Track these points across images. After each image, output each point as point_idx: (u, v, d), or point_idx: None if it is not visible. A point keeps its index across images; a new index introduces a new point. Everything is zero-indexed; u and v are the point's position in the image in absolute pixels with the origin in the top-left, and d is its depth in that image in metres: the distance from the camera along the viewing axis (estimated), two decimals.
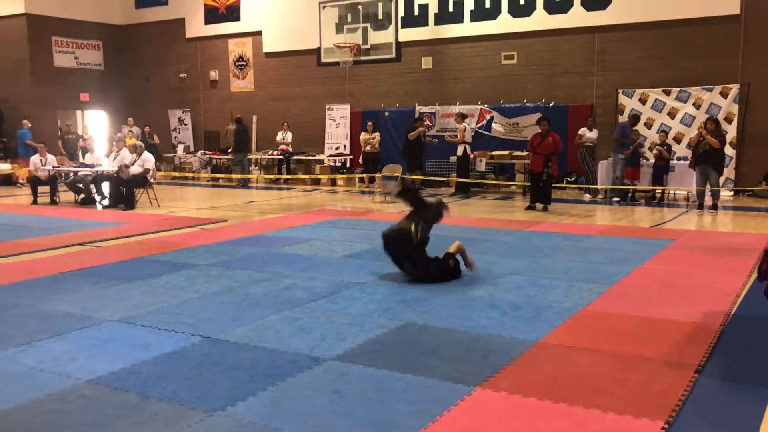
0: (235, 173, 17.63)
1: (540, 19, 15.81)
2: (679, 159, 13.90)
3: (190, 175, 19.71)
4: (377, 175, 14.78)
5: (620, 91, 15.21)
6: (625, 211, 11.99)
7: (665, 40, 14.66)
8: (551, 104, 15.69)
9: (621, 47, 15.16)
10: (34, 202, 13.54)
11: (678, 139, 14.57)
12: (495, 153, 15.34)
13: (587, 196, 14.02)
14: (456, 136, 14.98)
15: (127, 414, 3.52)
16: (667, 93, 14.72)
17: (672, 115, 14.73)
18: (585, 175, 14.40)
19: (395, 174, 13.91)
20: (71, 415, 3.52)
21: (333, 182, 17.32)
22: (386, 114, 17.68)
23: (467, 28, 16.65)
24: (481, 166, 15.24)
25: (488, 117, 16.30)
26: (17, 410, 3.58)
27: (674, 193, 13.95)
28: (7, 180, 18.25)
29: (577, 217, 11.18)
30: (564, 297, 5.84)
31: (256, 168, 19.62)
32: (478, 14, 16.47)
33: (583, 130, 14.05)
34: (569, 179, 15.18)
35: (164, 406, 3.62)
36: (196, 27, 20.91)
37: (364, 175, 16.56)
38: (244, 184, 17.53)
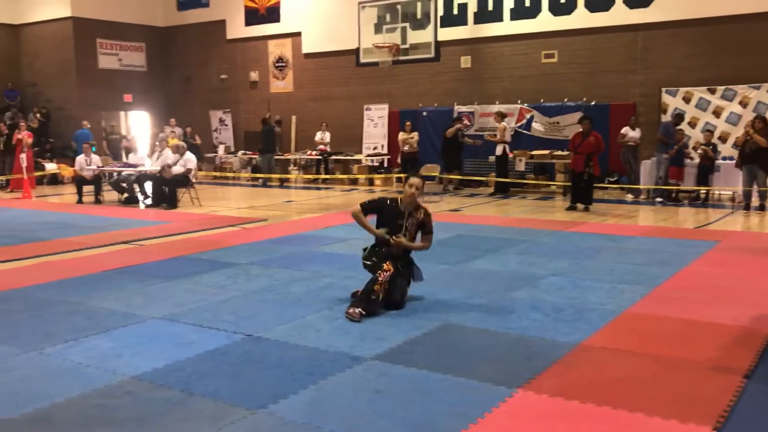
0: (266, 172, 17.78)
1: (581, 17, 15.62)
2: (724, 159, 13.59)
3: (231, 175, 19.94)
4: None
5: (663, 89, 14.93)
6: (668, 212, 11.78)
7: (710, 37, 14.36)
8: (592, 103, 15.49)
9: (664, 45, 14.89)
10: (80, 201, 13.84)
11: (723, 139, 14.25)
12: (535, 152, 15.21)
13: (629, 197, 13.80)
14: (496, 135, 14.88)
15: (172, 410, 3.58)
16: (712, 91, 14.41)
17: (717, 114, 14.41)
18: (627, 175, 14.18)
19: (433, 174, 13.87)
20: (118, 410, 3.59)
21: (370, 182, 17.35)
22: (424, 113, 17.65)
23: (507, 26, 16.53)
24: (521, 166, 15.11)
25: (528, 116, 16.16)
26: (66, 404, 3.67)
27: (719, 194, 13.65)
28: (53, 179, 18.70)
29: (620, 218, 11.01)
30: (607, 299, 5.76)
31: (295, 168, 19.76)
32: (518, 13, 16.33)
33: (625, 130, 13.84)
34: (611, 179, 14.96)
35: (208, 402, 3.67)
36: (237, 28, 21.15)
37: (402, 175, 16.51)
38: (264, 183, 17.71)
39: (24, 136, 16.24)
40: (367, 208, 5.76)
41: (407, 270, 5.63)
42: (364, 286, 5.37)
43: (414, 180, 5.59)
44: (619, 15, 15.19)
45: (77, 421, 3.46)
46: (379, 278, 5.29)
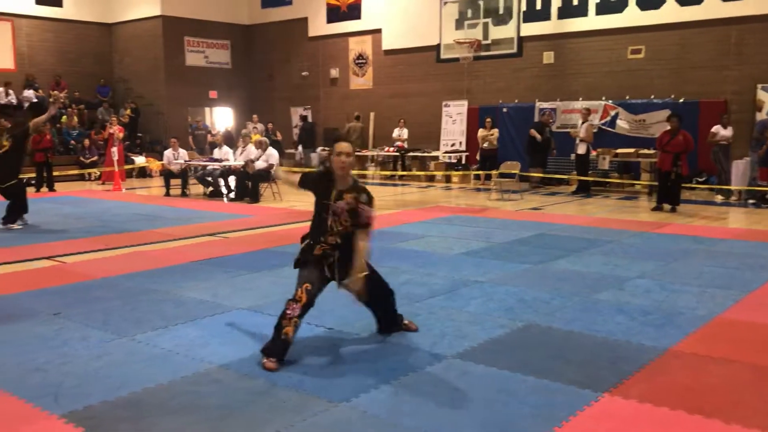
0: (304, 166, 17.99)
1: (670, 12, 15.07)
2: None
3: (310, 170, 20.22)
4: (494, 172, 14.59)
5: (759, 86, 14.24)
6: (762, 215, 11.23)
7: None
8: (681, 100, 14.92)
9: (761, 39, 14.18)
10: (167, 194, 14.34)
11: None
12: (620, 150, 14.76)
13: (719, 198, 13.23)
14: (579, 130, 14.53)
15: (257, 400, 3.65)
16: None
17: None
18: (717, 175, 13.60)
19: (513, 171, 13.68)
20: (205, 397, 3.69)
21: (448, 179, 17.26)
22: (504, 110, 17.42)
23: (592, 21, 16.13)
24: (605, 164, 14.69)
25: (613, 113, 15.72)
26: (156, 390, 3.80)
27: None
28: (142, 172, 19.44)
29: (709, 220, 10.58)
30: (696, 303, 5.54)
31: (372, 164, 19.87)
32: (604, 7, 15.91)
33: (716, 128, 13.28)
34: (699, 179, 14.39)
35: (291, 394, 3.72)
36: (318, 26, 21.42)
37: (481, 173, 16.40)
38: None
39: (115, 130, 16.93)
40: (302, 182, 4.59)
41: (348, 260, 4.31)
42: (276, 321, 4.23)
43: (342, 145, 4.22)
44: (712, 8, 14.57)
45: (167, 406, 3.58)
46: (287, 311, 4.14)
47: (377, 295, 4.56)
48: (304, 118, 18.96)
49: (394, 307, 4.75)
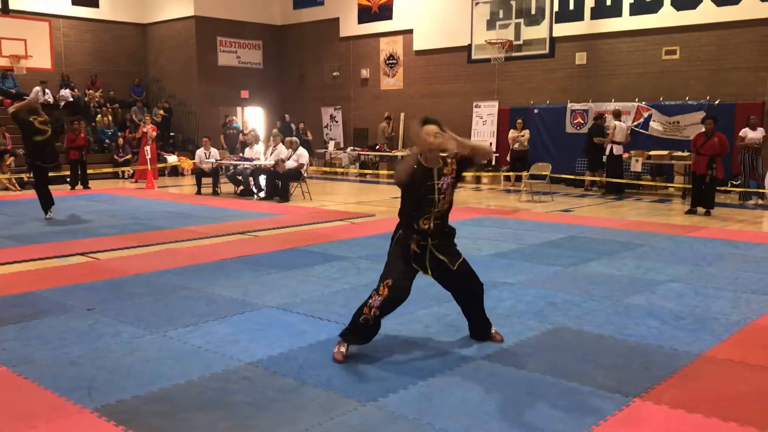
0: None
1: (707, 12, 14.82)
2: None
3: (340, 170, 20.30)
4: (524, 173, 14.49)
5: None
6: None
7: None
8: (716, 102, 14.67)
9: None
10: (198, 192, 14.49)
11: None
12: (653, 153, 14.56)
13: (753, 201, 12.95)
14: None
15: (286, 398, 3.67)
16: None
17: None
18: (743, 178, 13.36)
19: (544, 173, 13.58)
20: (235, 394, 3.72)
21: (477, 180, 17.18)
22: (535, 111, 17.29)
23: (626, 22, 15.92)
24: (637, 166, 14.49)
25: (646, 115, 15.50)
26: (187, 386, 3.84)
27: None
28: (174, 171, 19.67)
29: (744, 224, 10.38)
30: (731, 309, 5.44)
31: None
32: (638, 8, 15.69)
33: (744, 131, 13.05)
34: (734, 182, 14.13)
35: (319, 392, 3.74)
36: (350, 26, 21.47)
37: (511, 174, 16.29)
38: None
39: (149, 129, 17.15)
40: (405, 183, 4.28)
41: (449, 252, 4.39)
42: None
43: (431, 127, 4.20)
44: (751, 8, 14.28)
45: (197, 402, 3.62)
46: (369, 300, 4.23)
47: (465, 290, 4.49)
48: (282, 118, 19.77)
49: (483, 311, 4.59)
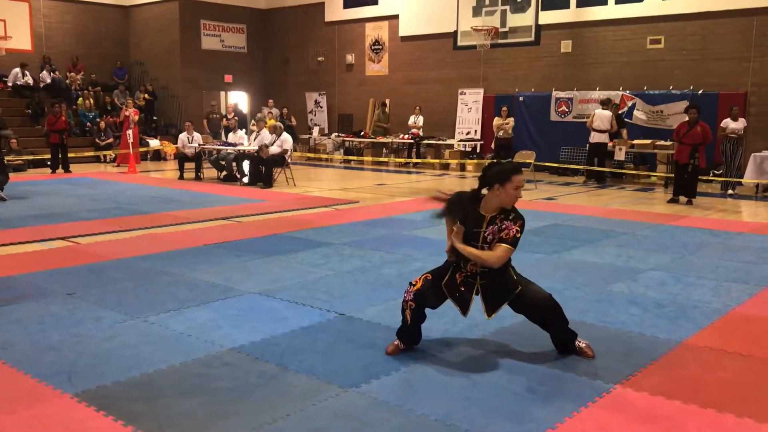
0: None
1: (692, 2, 14.87)
2: None
3: (324, 156, 20.22)
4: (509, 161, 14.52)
5: None
6: None
7: None
8: (700, 92, 14.75)
9: None
10: (181, 177, 14.38)
11: None
12: (636, 141, 14.63)
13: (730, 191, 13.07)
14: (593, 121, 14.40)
15: (268, 383, 3.66)
16: None
17: None
18: (725, 168, 13.47)
19: (528, 161, 13.61)
20: (216, 380, 3.71)
21: (462, 167, 17.19)
22: (521, 99, 17.31)
23: (611, 10, 15.94)
24: (621, 155, 14.56)
25: (630, 103, 15.57)
26: (168, 371, 3.82)
27: None
28: (157, 155, 19.51)
29: (725, 213, 10.48)
30: (711, 297, 5.49)
31: (387, 151, 19.82)
32: None
33: (726, 122, 13.14)
34: (716, 172, 14.24)
35: (302, 378, 3.73)
36: (335, 11, 21.33)
37: (495, 161, 16.30)
38: None
39: (131, 113, 16.97)
40: (456, 213, 4.03)
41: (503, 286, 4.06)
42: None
43: (521, 178, 3.91)
44: None
45: (179, 388, 3.60)
46: (405, 295, 4.10)
47: (533, 315, 4.14)
48: (212, 107, 20.46)
49: (565, 325, 4.16)
